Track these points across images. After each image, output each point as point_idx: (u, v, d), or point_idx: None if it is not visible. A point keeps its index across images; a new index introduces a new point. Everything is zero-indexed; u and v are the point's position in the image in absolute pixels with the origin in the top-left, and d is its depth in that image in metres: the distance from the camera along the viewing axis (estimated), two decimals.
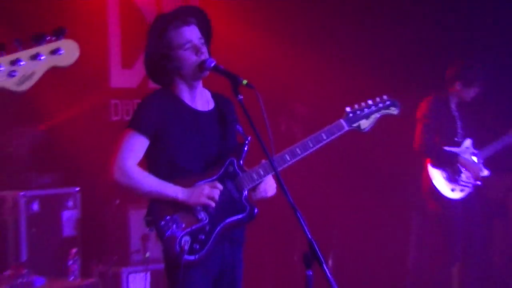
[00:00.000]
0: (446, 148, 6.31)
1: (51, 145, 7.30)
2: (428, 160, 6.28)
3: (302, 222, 3.27)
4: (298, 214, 3.26)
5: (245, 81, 3.56)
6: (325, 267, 3.20)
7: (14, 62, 2.42)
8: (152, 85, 4.53)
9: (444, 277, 6.51)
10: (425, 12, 7.96)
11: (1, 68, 2.40)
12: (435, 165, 6.34)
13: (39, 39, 2.45)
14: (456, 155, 6.26)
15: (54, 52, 2.43)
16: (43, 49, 2.49)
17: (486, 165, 6.45)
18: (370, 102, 4.02)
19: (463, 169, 6.33)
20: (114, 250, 6.88)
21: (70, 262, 6.36)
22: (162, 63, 3.73)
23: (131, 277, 6.63)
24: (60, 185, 6.95)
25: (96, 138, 6.85)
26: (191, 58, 3.62)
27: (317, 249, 3.22)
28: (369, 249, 7.84)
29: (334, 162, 7.58)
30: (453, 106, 6.44)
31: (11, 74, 2.41)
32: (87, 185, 7.02)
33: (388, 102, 4.04)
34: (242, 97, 3.57)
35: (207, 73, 3.66)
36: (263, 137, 3.60)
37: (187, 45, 3.64)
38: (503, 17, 7.47)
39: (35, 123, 7.22)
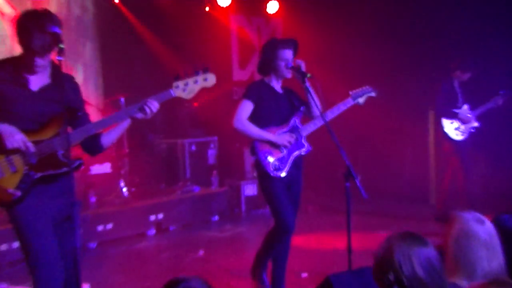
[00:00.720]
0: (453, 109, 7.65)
1: (201, 113, 9.78)
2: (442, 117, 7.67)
3: (342, 152, 4.20)
4: (340, 148, 4.20)
5: (309, 74, 4.61)
6: (357, 181, 4.07)
7: (186, 84, 3.58)
8: (255, 78, 5.92)
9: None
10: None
11: (179, 86, 3.57)
12: (447, 117, 7.65)
13: (198, 72, 3.63)
14: (457, 113, 7.62)
15: (204, 79, 3.61)
16: (199, 78, 3.62)
17: (477, 120, 7.72)
18: (361, 88, 5.09)
19: (461, 122, 7.66)
20: (236, 171, 9.54)
21: (213, 178, 9.07)
22: (269, 65, 4.83)
23: (246, 187, 9.13)
24: (206, 136, 9.49)
25: (225, 109, 8.07)
26: (281, 64, 4.78)
27: (352, 169, 4.12)
28: (393, 169, 9.54)
29: (367, 118, 8.87)
30: (455, 85, 7.78)
31: (184, 90, 3.58)
32: (221, 135, 9.37)
33: (370, 89, 5.10)
34: (308, 84, 4.65)
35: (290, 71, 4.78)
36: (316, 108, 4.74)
37: (284, 60, 4.77)
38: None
39: (192, 102, 9.56)
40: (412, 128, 9.39)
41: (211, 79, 3.66)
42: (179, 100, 8.61)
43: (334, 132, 4.36)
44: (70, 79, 3.64)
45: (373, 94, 5.10)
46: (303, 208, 8.51)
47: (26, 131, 3.41)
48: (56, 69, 3.57)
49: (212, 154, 9.54)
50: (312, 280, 5.49)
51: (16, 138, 3.33)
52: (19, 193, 3.38)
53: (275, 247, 4.89)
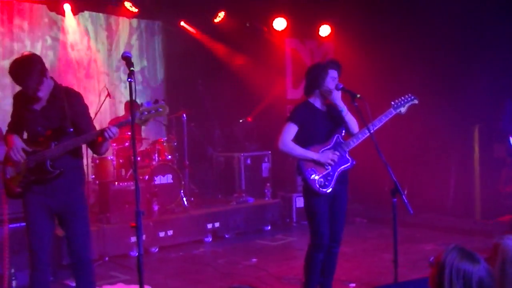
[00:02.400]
0: None
1: (255, 128, 9.91)
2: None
3: (389, 169, 4.15)
4: (387, 165, 4.15)
5: (358, 95, 4.53)
6: (403, 197, 4.01)
7: (142, 113, 3.85)
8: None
9: None
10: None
11: (137, 115, 3.81)
12: None
13: (150, 104, 3.90)
14: None
15: (157, 110, 3.84)
16: (153, 108, 3.86)
17: None
18: (402, 97, 4.86)
19: None
20: (288, 184, 9.48)
21: (266, 190, 9.08)
22: (317, 84, 4.77)
23: (297, 198, 9.03)
24: (260, 150, 9.54)
25: (279, 125, 8.17)
26: (332, 84, 4.73)
27: (398, 185, 4.05)
28: (438, 183, 9.27)
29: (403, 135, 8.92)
30: None
31: (140, 118, 3.84)
32: (274, 150, 8.02)
33: (412, 97, 4.89)
34: (357, 104, 4.50)
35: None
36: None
37: (333, 79, 4.74)
38: None
39: (246, 117, 9.88)
40: (457, 143, 9.21)
41: (164, 109, 3.89)
42: (235, 116, 9.16)
43: (380, 148, 4.32)
44: (73, 97, 4.17)
45: (415, 101, 4.89)
46: (351, 220, 8.66)
47: (30, 142, 4.13)
48: (57, 88, 4.16)
49: (266, 167, 9.59)
50: None
51: (15, 147, 4.06)
52: (19, 189, 4.09)
53: (316, 266, 4.79)
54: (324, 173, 4.65)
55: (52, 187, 4.08)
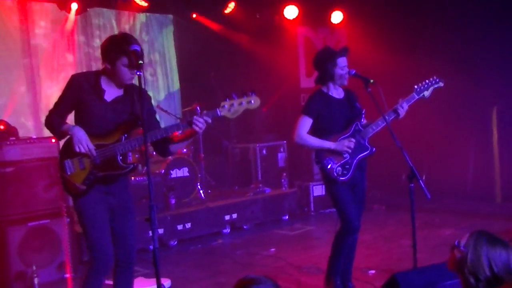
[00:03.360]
0: None
1: (270, 118, 9.92)
2: None
3: (405, 154, 4.15)
4: (402, 150, 4.16)
5: (372, 81, 4.49)
6: (421, 182, 3.97)
7: (231, 105, 3.65)
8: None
9: None
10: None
11: (226, 107, 3.63)
12: None
13: (244, 95, 3.65)
14: None
15: (249, 102, 3.64)
16: (244, 100, 3.66)
17: None
18: (426, 81, 4.78)
19: None
20: (305, 173, 9.45)
21: (283, 180, 9.00)
22: (328, 74, 4.71)
23: (314, 187, 9.08)
24: (276, 140, 9.51)
25: (293, 115, 7.80)
26: (343, 74, 4.70)
27: (415, 171, 4.05)
28: (457, 167, 9.22)
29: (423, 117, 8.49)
30: None
31: (229, 110, 3.65)
32: (290, 139, 8.60)
33: (437, 79, 4.83)
34: (370, 89, 4.49)
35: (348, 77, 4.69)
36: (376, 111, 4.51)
37: (343, 68, 4.69)
38: None
39: (262, 107, 9.40)
40: (475, 126, 9.12)
41: (256, 102, 3.70)
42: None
43: (396, 134, 4.27)
44: (141, 93, 3.60)
45: (441, 84, 4.83)
46: (369, 207, 8.45)
47: (94, 135, 3.71)
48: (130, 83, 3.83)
49: (281, 157, 9.57)
50: (379, 277, 5.36)
51: (84, 144, 3.64)
52: (84, 187, 3.71)
53: (344, 250, 4.78)
54: (341, 162, 4.64)
55: (115, 184, 3.84)
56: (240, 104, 3.62)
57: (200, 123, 3.64)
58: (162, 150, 3.94)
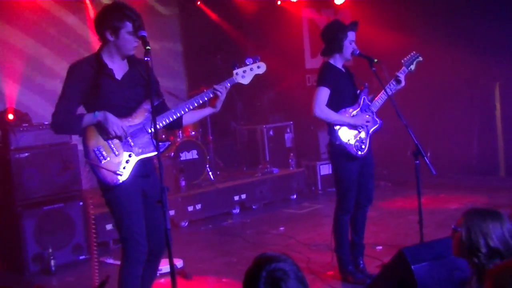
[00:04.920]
0: None
1: (279, 99, 9.94)
2: None
3: (410, 131, 4.17)
4: (407, 127, 4.18)
5: (376, 60, 4.52)
6: (426, 159, 4.02)
7: (244, 71, 3.83)
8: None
9: None
10: None
11: (239, 74, 3.79)
12: None
13: (251, 61, 3.84)
14: None
15: (258, 67, 3.86)
16: (254, 66, 3.87)
17: None
18: (410, 54, 4.80)
19: None
20: (312, 152, 9.55)
21: (290, 160, 9.06)
22: (336, 45, 4.65)
23: (321, 166, 9.13)
24: (283, 120, 9.54)
25: (299, 95, 9.14)
26: (350, 48, 4.65)
27: (420, 148, 4.05)
28: (462, 142, 9.17)
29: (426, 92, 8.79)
30: None
31: (242, 76, 3.82)
32: (296, 119, 9.45)
33: (417, 54, 4.81)
34: (374, 68, 4.50)
35: (353, 56, 4.67)
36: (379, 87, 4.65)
37: (351, 41, 4.65)
38: None
39: (270, 88, 9.84)
40: (478, 101, 9.09)
41: (262, 67, 3.85)
42: (256, 89, 8.75)
43: (401, 111, 4.27)
44: (145, 64, 3.36)
45: (420, 58, 4.82)
46: (375, 183, 8.36)
47: (120, 117, 3.51)
48: (131, 56, 3.66)
49: (288, 137, 9.56)
50: (386, 252, 5.39)
51: (119, 127, 3.45)
52: (121, 174, 3.46)
53: (345, 229, 4.80)
54: (358, 136, 4.64)
55: (150, 167, 3.65)
56: (251, 69, 3.75)
57: (221, 89, 3.73)
58: (173, 124, 3.78)
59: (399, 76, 4.65)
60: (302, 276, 1.97)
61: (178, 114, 3.68)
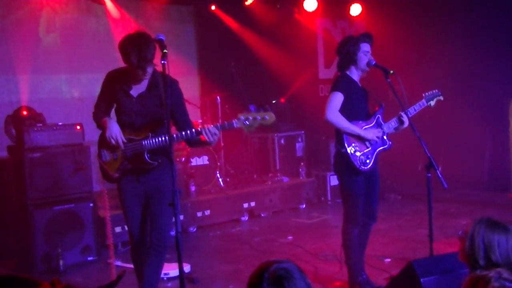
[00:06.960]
0: None
1: (289, 109, 9.87)
2: None
3: (423, 144, 4.18)
4: (421, 140, 4.20)
5: (391, 71, 4.47)
6: (438, 172, 4.02)
7: (247, 118, 3.70)
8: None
9: None
10: None
11: (242, 119, 3.69)
12: None
13: (259, 109, 3.72)
14: None
15: (263, 118, 3.69)
16: (259, 115, 3.71)
17: None
18: (433, 91, 4.85)
19: None
20: (322, 162, 9.43)
21: (300, 169, 9.11)
22: (351, 58, 4.64)
23: (331, 177, 8.94)
24: (294, 130, 9.46)
25: (311, 105, 8.96)
26: (365, 59, 4.65)
27: (433, 161, 4.06)
28: (474, 159, 9.18)
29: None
30: None
31: (244, 123, 3.71)
32: (308, 129, 9.43)
33: (436, 91, 4.87)
34: (390, 80, 4.50)
35: (369, 66, 4.64)
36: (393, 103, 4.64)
37: (365, 52, 4.65)
38: None
39: (280, 98, 9.79)
40: (491, 117, 9.04)
41: (270, 118, 3.72)
42: (268, 97, 9.08)
43: (414, 124, 4.29)
44: (172, 85, 3.75)
45: (441, 97, 4.86)
46: (385, 196, 8.64)
47: (128, 129, 3.97)
48: (156, 76, 3.89)
49: (299, 147, 9.52)
50: (395, 265, 5.36)
51: (114, 137, 3.89)
52: (116, 175, 4.01)
53: (354, 242, 4.74)
54: (365, 151, 4.59)
55: (148, 175, 4.00)
56: (255, 118, 3.65)
57: (211, 135, 3.76)
58: (192, 142, 4.10)
59: (402, 116, 4.61)
60: (304, 276, 1.97)
61: (165, 142, 3.80)
